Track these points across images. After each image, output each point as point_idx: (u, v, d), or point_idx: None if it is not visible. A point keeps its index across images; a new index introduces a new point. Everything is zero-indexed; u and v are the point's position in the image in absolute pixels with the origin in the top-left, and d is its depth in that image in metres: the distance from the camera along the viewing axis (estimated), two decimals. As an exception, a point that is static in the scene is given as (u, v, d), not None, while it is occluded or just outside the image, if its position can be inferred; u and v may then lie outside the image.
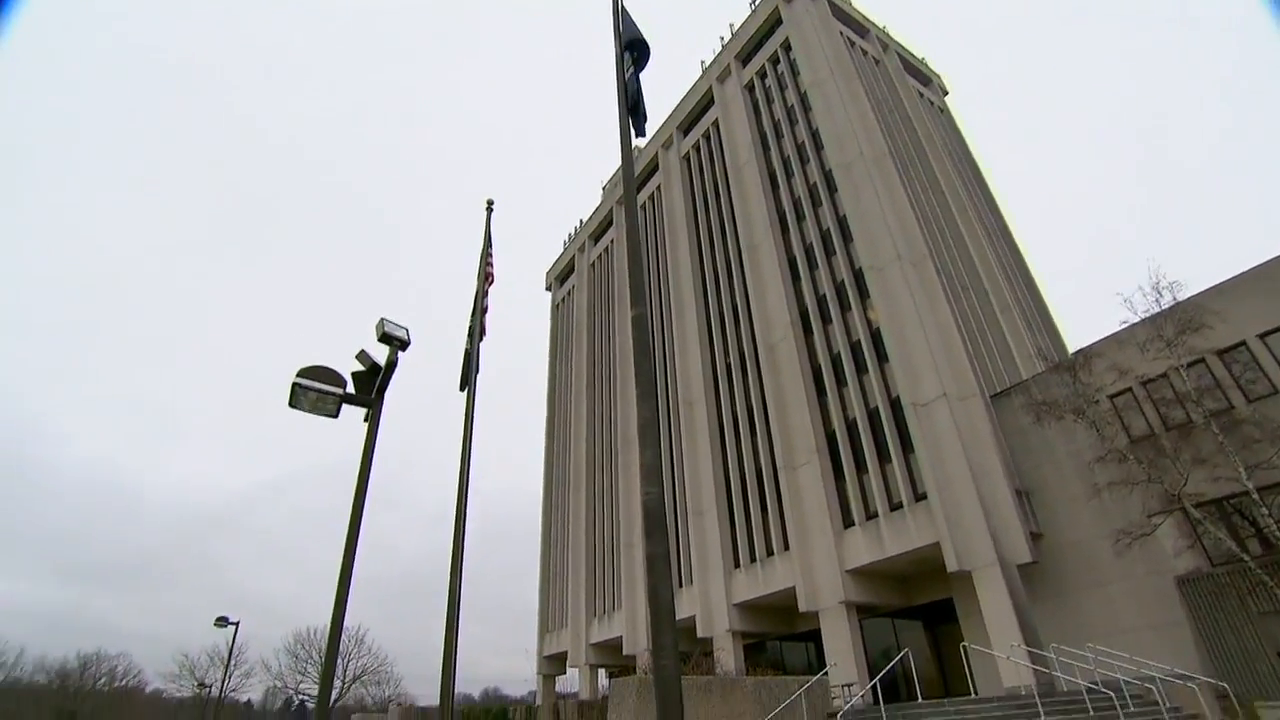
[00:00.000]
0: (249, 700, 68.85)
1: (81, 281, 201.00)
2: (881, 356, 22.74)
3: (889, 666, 16.68)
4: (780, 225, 29.21)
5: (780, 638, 26.44)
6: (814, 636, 23.32)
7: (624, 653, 30.31)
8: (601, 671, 34.48)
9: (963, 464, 19.04)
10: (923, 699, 15.23)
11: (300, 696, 59.77)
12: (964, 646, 15.26)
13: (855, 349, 23.92)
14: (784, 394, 25.71)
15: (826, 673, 17.60)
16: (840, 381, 24.23)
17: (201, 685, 58.44)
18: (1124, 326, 17.51)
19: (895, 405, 21.76)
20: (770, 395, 26.10)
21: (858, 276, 24.68)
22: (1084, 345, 19.77)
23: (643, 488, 4.85)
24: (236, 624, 35.33)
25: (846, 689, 17.06)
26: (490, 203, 14.54)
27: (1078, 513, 18.48)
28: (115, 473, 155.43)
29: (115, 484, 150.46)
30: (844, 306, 24.99)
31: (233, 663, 42.91)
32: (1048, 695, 12.92)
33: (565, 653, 37.02)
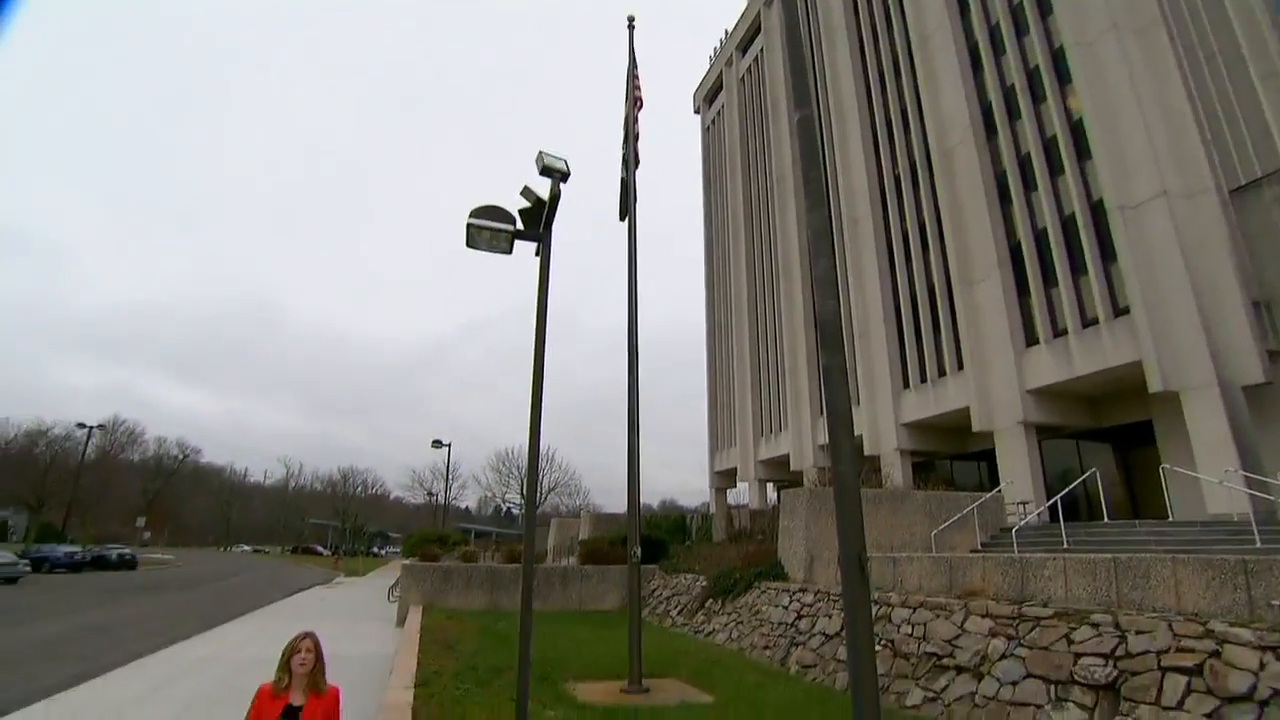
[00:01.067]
0: (466, 507, 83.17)
1: (284, 157, 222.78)
2: (1082, 153, 19.60)
3: (1072, 485, 16.22)
4: (959, 4, 24.73)
5: (951, 457, 26.38)
6: (987, 456, 23.00)
7: (791, 468, 32.05)
8: (769, 485, 36.91)
9: (1180, 272, 16.62)
10: (1108, 520, 14.82)
11: (506, 504, 71.37)
12: (1163, 469, 14.31)
13: (1049, 147, 20.77)
14: (961, 204, 23.35)
15: (1000, 490, 17.52)
16: (1029, 185, 21.43)
17: (429, 494, 72.13)
18: None
19: (1097, 210, 19.01)
20: (945, 206, 23.86)
21: (1057, 57, 20.74)
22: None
23: (818, 300, 4.88)
24: (449, 445, 42.20)
25: (1022, 506, 16.95)
26: (631, 19, 13.69)
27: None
28: (335, 324, 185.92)
29: (336, 334, 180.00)
30: (1036, 97, 21.40)
31: (450, 476, 51.70)
32: (1267, 524, 11.95)
33: (735, 468, 39.85)
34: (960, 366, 22.92)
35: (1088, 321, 19.05)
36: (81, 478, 54.14)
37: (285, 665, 3.57)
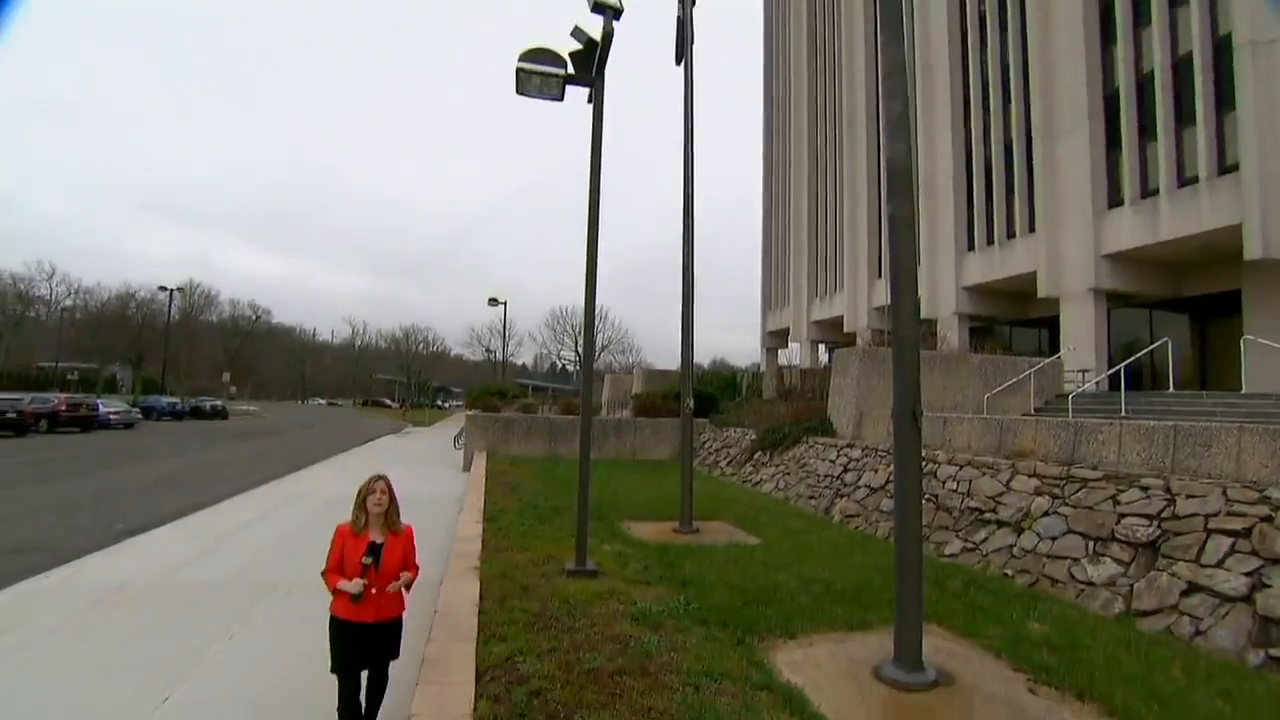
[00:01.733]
0: (523, 364, 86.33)
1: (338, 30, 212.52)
2: (1207, -22, 16.87)
3: (1139, 355, 15.67)
4: None
5: (1010, 323, 25.60)
6: (1049, 324, 22.21)
7: (844, 330, 31.79)
8: (821, 346, 36.87)
9: (1307, 123, 14.74)
10: (1173, 391, 14.39)
11: (560, 361, 73.89)
12: (1244, 341, 13.60)
13: (1165, -27, 17.92)
14: (1052, 47, 20.82)
15: (1060, 356, 17.10)
16: (1138, 20, 18.82)
17: (487, 351, 75.32)
18: None
19: (1220, 48, 16.69)
20: (1034, 50, 21.31)
21: None
22: None
23: (887, 144, 4.60)
24: (504, 304, 43.24)
25: (1081, 375, 16.58)
26: None
27: None
28: (394, 189, 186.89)
29: (395, 199, 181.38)
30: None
31: (506, 334, 53.37)
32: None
33: (787, 329, 39.74)
34: (1031, 228, 21.58)
35: (1185, 180, 17.38)
36: (170, 336, 58.22)
37: (361, 505, 3.72)
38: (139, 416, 35.17)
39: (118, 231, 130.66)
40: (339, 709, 3.71)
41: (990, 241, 23.65)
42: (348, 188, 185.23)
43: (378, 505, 3.72)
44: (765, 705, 4.12)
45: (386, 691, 3.91)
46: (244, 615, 6.29)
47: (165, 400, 44.22)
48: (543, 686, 4.14)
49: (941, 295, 25.25)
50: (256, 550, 8.87)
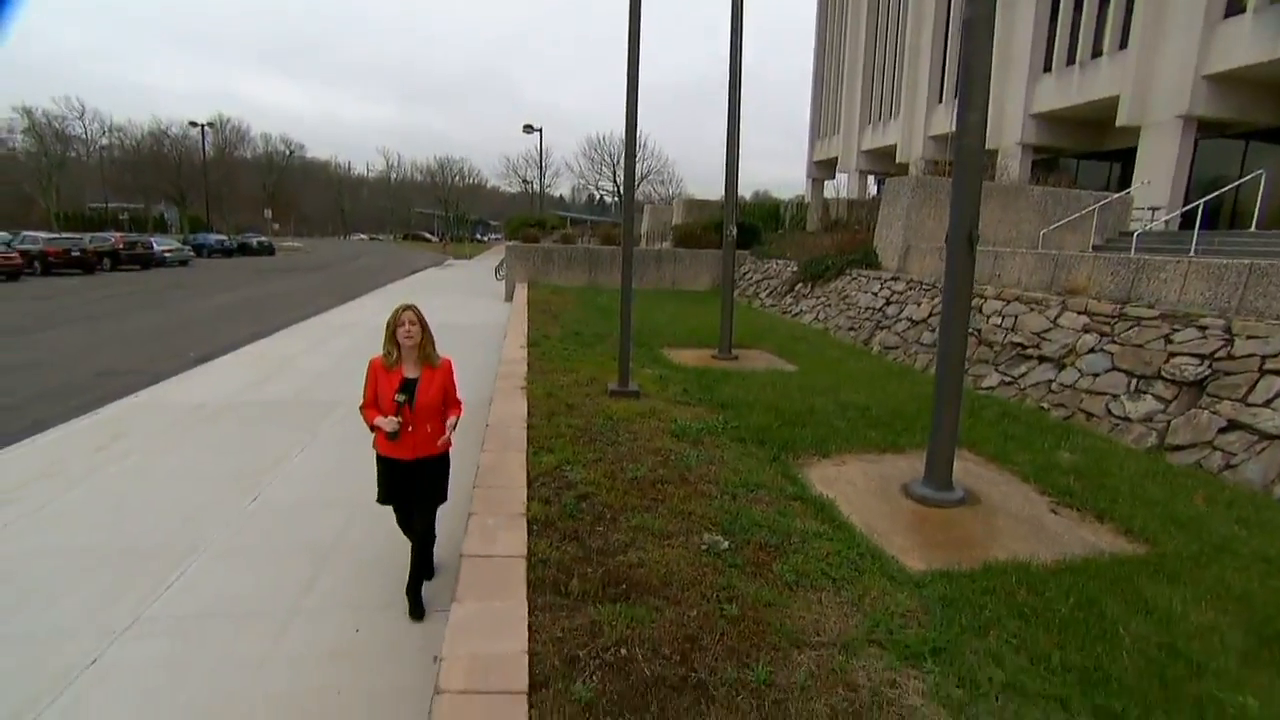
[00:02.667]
0: (561, 195, 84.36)
1: None
2: None
3: (1226, 188, 14.46)
4: None
5: (1079, 155, 23.67)
6: (1123, 157, 20.46)
7: (896, 160, 29.97)
8: (870, 177, 35.03)
9: None
10: (1255, 230, 13.43)
11: (599, 192, 71.88)
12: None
13: None
14: None
15: (1131, 192, 15.94)
16: None
17: (524, 181, 73.39)
18: None
19: None
20: None
21: None
22: None
23: None
24: (540, 130, 41.41)
25: (1151, 212, 15.50)
26: None
27: None
28: (422, 8, 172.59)
29: (424, 19, 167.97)
30: None
31: (543, 163, 51.59)
32: None
33: (835, 158, 37.62)
34: (1123, 44, 19.17)
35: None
36: (208, 173, 58.07)
37: (391, 338, 3.43)
38: (191, 254, 36.18)
39: (138, 66, 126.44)
40: (399, 524, 3.83)
41: (1070, 61, 21.20)
42: (374, 13, 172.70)
43: (409, 338, 3.41)
44: (798, 513, 4.42)
45: (436, 543, 3.87)
46: (310, 431, 6.85)
47: (214, 238, 45.10)
48: (589, 491, 4.49)
49: (1006, 123, 23.23)
50: (315, 374, 9.45)
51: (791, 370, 9.31)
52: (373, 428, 3.45)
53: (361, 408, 3.54)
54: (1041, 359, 8.36)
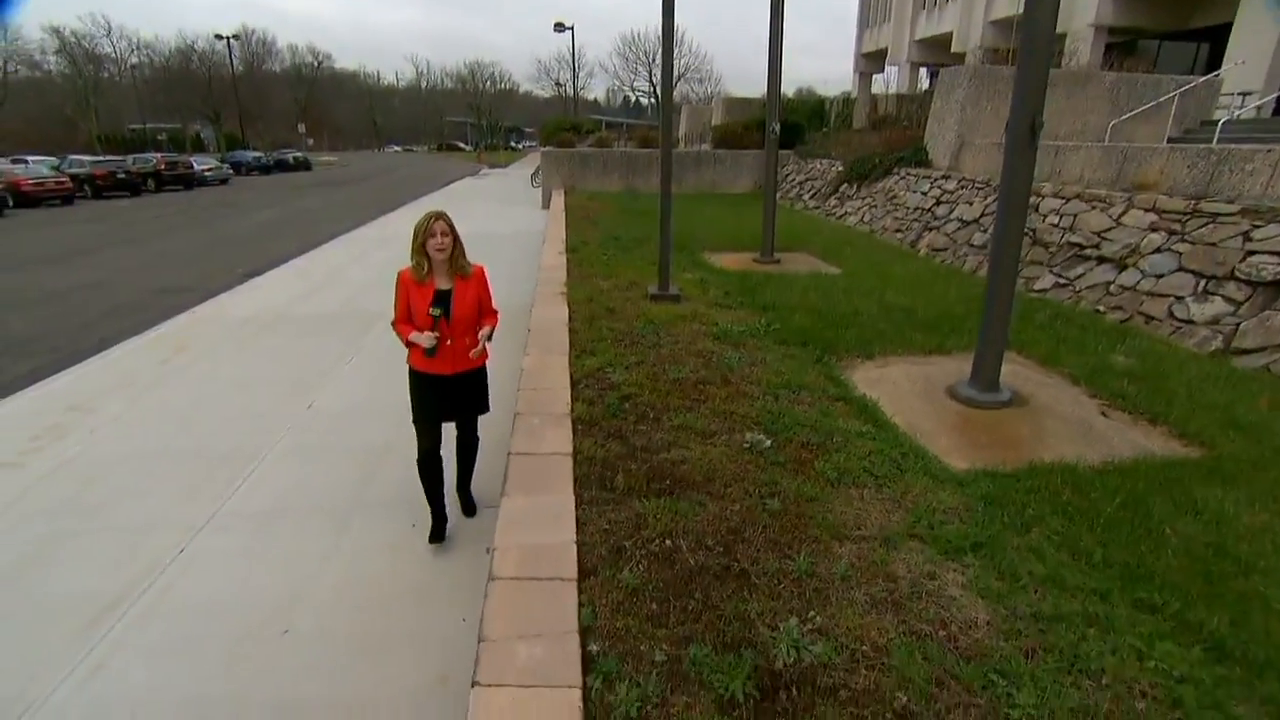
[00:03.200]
0: (595, 99, 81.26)
1: None
2: None
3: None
4: None
5: (1161, 36, 21.49)
6: (1214, 35, 18.50)
7: (951, 49, 27.81)
8: (922, 70, 32.72)
9: None
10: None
11: (634, 94, 69.00)
12: None
13: None
14: None
15: (1220, 74, 14.52)
16: None
17: (557, 84, 70.77)
18: None
19: None
20: None
21: None
22: None
23: None
24: (572, 28, 39.44)
25: (1242, 97, 14.12)
26: None
27: None
28: None
29: None
30: None
31: (576, 63, 49.42)
32: None
33: (884, 50, 35.12)
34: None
35: None
36: (238, 89, 57.36)
37: (420, 250, 3.17)
38: (230, 172, 36.42)
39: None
40: (419, 464, 3.48)
41: (1158, -80, 18.95)
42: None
43: (440, 250, 3.16)
44: (840, 413, 4.42)
45: (478, 453, 3.76)
46: (356, 341, 7.05)
47: (251, 155, 45.17)
48: (632, 393, 4.55)
49: (1078, 3, 21.14)
50: (360, 286, 9.63)
51: (835, 273, 9.10)
52: (408, 344, 3.28)
53: (394, 323, 3.34)
54: (1101, 260, 7.96)
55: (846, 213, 14.49)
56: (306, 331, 7.49)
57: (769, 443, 3.92)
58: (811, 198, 16.86)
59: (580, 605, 2.53)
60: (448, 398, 3.41)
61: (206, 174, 32.71)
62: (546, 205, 18.10)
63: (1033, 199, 9.28)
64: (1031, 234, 8.99)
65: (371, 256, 12.00)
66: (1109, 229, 8.11)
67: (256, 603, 3.11)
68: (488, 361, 3.56)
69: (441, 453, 3.53)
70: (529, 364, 5.02)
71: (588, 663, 2.29)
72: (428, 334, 3.17)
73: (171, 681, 2.66)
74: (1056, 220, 8.90)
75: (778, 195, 11.64)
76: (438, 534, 3.59)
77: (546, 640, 2.32)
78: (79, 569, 3.35)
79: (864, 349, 5.80)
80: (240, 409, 5.32)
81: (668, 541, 3.00)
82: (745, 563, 2.87)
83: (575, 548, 2.86)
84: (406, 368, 3.40)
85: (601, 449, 3.79)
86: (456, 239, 3.24)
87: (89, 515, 3.82)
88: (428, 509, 3.61)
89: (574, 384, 4.67)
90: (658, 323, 6.24)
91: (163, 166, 29.12)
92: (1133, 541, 3.06)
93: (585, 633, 2.42)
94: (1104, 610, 2.60)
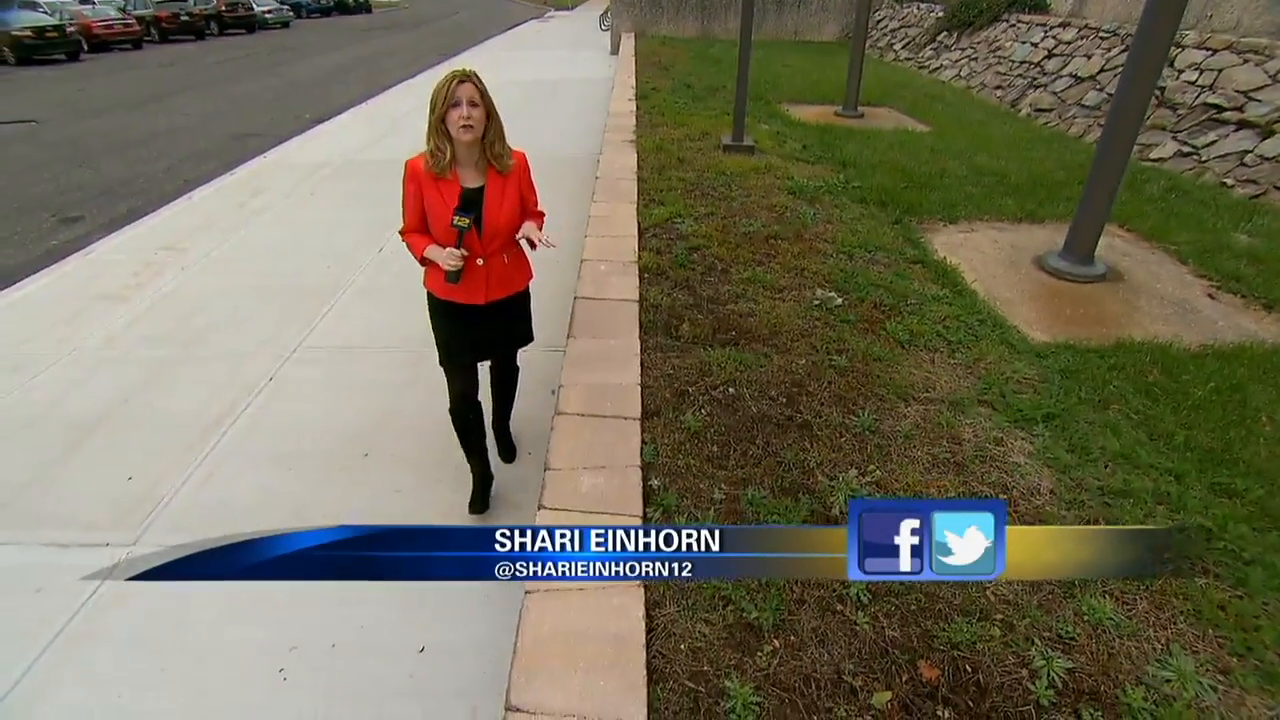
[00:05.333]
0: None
1: None
2: None
3: None
4: None
5: None
6: None
7: None
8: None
9: None
10: None
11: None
12: None
13: None
14: None
15: None
16: None
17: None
18: None
19: None
20: None
21: None
22: None
23: None
24: None
25: None
26: None
27: None
28: None
29: None
30: None
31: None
32: None
33: None
34: None
35: None
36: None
37: (440, 129, 2.21)
38: (290, 14, 35.34)
39: None
40: (452, 413, 2.69)
41: None
42: None
43: (468, 130, 2.17)
44: (917, 276, 4.22)
45: (518, 388, 2.99)
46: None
47: (310, -4, 43.53)
48: (700, 244, 4.45)
49: None
50: (424, 134, 9.46)
51: (923, 131, 8.40)
52: (423, 261, 2.39)
53: (402, 233, 2.44)
54: (1241, 125, 7.00)
55: (942, 65, 13.11)
56: (374, 177, 7.52)
57: (840, 301, 3.80)
58: (904, 48, 15.26)
59: (643, 444, 2.61)
60: (482, 332, 2.54)
61: (267, 16, 31.91)
62: (616, 51, 17.14)
63: (1170, 52, 8.12)
64: (1160, 93, 7.94)
65: (435, 106, 11.74)
66: (1260, 87, 7.07)
67: (339, 427, 3.35)
68: (532, 282, 2.65)
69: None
70: (596, 211, 4.93)
71: (648, 496, 2.39)
72: (450, 251, 2.27)
73: (270, 490, 2.95)
74: (1194, 77, 7.80)
75: (867, 44, 10.58)
76: (480, 501, 2.81)
77: (609, 472, 2.43)
78: (185, 391, 3.65)
79: (948, 212, 5.43)
80: (315, 250, 5.49)
81: (731, 390, 3.02)
82: (808, 415, 2.88)
83: (639, 389, 2.92)
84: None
85: (668, 298, 3.77)
86: (491, 112, 2.23)
87: (189, 344, 4.11)
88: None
89: (641, 233, 4.58)
90: (730, 174, 5.97)
91: (223, 8, 28.50)
92: (1221, 427, 2.90)
93: (647, 468, 2.51)
94: (1177, 490, 2.52)
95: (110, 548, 2.60)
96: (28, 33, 18.32)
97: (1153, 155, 7.53)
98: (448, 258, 2.26)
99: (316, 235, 5.82)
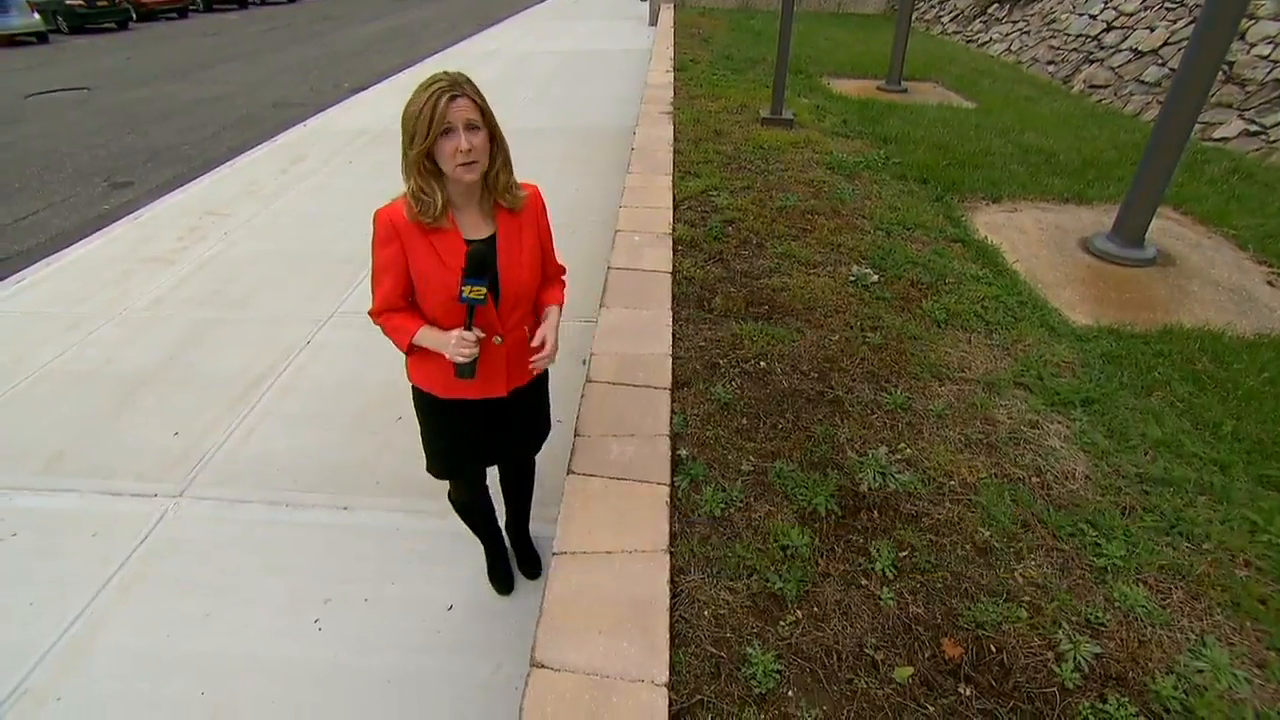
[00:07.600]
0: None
1: None
2: None
3: None
4: None
5: None
6: None
7: None
8: None
9: None
10: None
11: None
12: None
13: None
14: None
15: None
16: None
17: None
18: None
19: None
20: None
21: None
22: None
23: None
24: None
25: None
26: None
27: None
28: None
29: None
30: None
31: None
32: None
33: None
34: None
35: None
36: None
37: (423, 168, 1.52)
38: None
39: None
40: (456, 508, 2.17)
41: None
42: None
43: (469, 166, 1.49)
44: (956, 255, 4.13)
45: (535, 479, 2.29)
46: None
47: (350, -38, 43.52)
48: (736, 217, 4.41)
49: None
50: (461, 104, 9.49)
51: (969, 107, 8.12)
52: (409, 350, 1.73)
53: (373, 314, 1.74)
54: (1312, 101, 6.65)
55: (991, 39, 12.62)
56: (412, 146, 7.58)
57: (876, 278, 3.74)
58: (951, 20, 14.72)
59: (673, 413, 2.63)
60: (498, 431, 1.90)
61: (307, -16, 32.09)
62: (654, 22, 16.87)
63: (1244, 23, 7.70)
64: (1227, 68, 7.56)
65: (474, 74, 11.46)
66: (1335, 61, 6.70)
67: (372, 389, 3.42)
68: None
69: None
70: (631, 183, 4.91)
71: (676, 464, 2.41)
72: (460, 335, 1.56)
73: (308, 447, 3.03)
74: (1267, 51, 7.39)
75: (913, 16, 10.23)
76: (504, 581, 2.31)
77: (639, 440, 2.45)
78: (227, 351, 3.77)
79: (991, 191, 5.27)
80: (354, 218, 5.56)
81: (762, 363, 3.01)
82: (839, 390, 2.86)
83: (670, 360, 2.92)
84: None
85: (701, 270, 3.75)
86: (495, 133, 1.55)
87: (231, 307, 4.22)
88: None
89: (676, 205, 4.55)
90: (767, 148, 5.88)
91: (262, -27, 28.72)
92: (1272, 420, 2.79)
93: (676, 438, 2.53)
94: (1222, 481, 2.45)
95: (159, 498, 2.71)
96: (80, 1, 18.73)
97: (1216, 134, 7.19)
98: (458, 345, 1.55)
99: (354, 202, 5.90)
